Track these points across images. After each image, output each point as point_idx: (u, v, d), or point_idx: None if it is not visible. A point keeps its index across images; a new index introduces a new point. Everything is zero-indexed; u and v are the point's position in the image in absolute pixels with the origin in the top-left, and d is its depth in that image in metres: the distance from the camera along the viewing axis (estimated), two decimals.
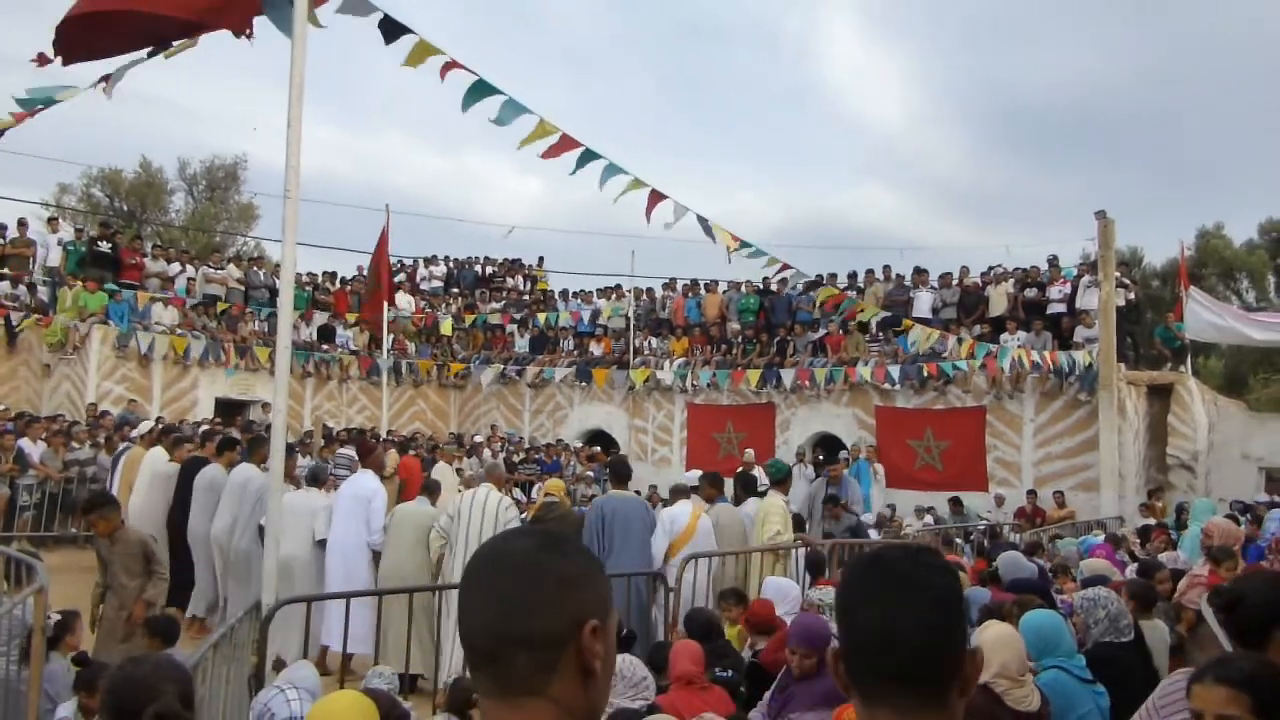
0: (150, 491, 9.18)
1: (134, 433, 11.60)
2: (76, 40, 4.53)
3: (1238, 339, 16.43)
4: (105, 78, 5.64)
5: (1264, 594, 2.76)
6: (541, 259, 25.35)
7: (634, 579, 6.82)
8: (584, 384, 19.73)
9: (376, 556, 7.47)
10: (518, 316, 21.98)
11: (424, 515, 7.29)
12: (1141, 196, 56.08)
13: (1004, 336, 15.28)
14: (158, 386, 16.44)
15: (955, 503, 14.43)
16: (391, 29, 5.30)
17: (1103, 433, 14.06)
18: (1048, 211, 63.97)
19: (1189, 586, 5.64)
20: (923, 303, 16.90)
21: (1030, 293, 16.29)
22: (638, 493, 15.40)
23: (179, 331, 16.75)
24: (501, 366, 20.57)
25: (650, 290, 21.34)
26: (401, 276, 22.80)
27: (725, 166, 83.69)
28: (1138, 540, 9.65)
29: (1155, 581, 5.74)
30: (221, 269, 18.71)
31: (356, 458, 8.88)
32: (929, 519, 14.01)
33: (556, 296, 23.11)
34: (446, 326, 21.54)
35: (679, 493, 8.00)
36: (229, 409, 17.10)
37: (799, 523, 8.65)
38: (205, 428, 12.78)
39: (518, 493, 15.82)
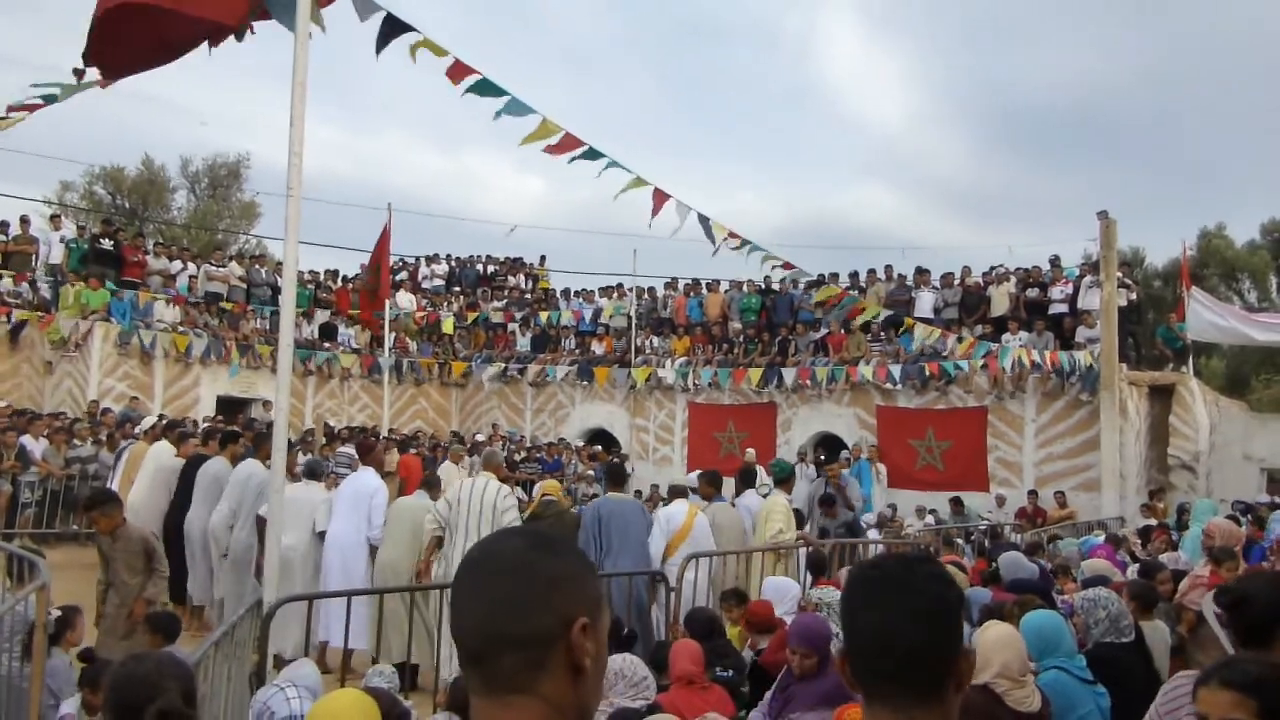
0: (152, 485, 9.19)
1: (138, 429, 11.62)
2: (110, 55, 4.56)
3: (1239, 339, 16.43)
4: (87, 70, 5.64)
5: (1270, 594, 2.75)
6: (543, 258, 25.37)
7: (635, 579, 6.83)
8: (585, 383, 19.74)
9: (374, 552, 7.49)
10: (519, 315, 21.99)
11: (421, 509, 7.30)
12: (1143, 197, 56.13)
13: (1005, 336, 15.28)
14: (159, 384, 16.46)
15: (956, 503, 14.43)
16: (395, 28, 5.30)
17: (1104, 433, 14.06)
18: (1050, 212, 63.99)
19: (1190, 587, 5.64)
20: (924, 302, 16.90)
21: (1032, 293, 16.29)
22: (639, 493, 15.53)
23: (181, 329, 16.78)
24: (503, 365, 20.58)
25: (652, 289, 21.34)
26: (403, 275, 22.82)
27: (725, 166, 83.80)
28: (1139, 541, 9.65)
29: (1156, 582, 5.73)
30: (223, 267, 18.73)
31: (356, 456, 8.90)
32: (930, 519, 14.01)
33: (558, 295, 23.12)
34: (448, 325, 21.55)
35: (677, 492, 8.09)
36: (230, 407, 17.11)
37: (800, 521, 8.68)
38: (206, 425, 12.79)
39: (519, 491, 15.84)
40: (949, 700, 1.32)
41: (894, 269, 18.35)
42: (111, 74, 4.75)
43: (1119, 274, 14.73)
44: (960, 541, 12.47)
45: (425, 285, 23.26)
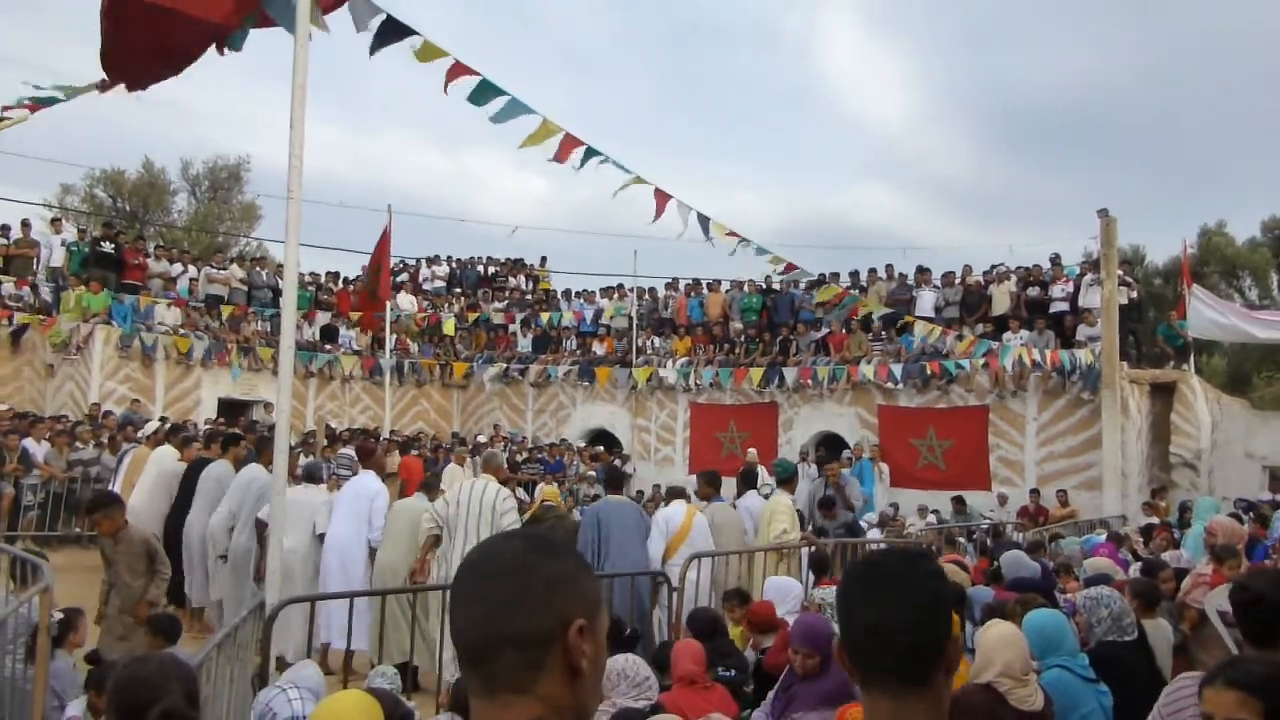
0: (154, 490, 9.20)
1: (140, 433, 11.63)
2: (127, 63, 4.57)
3: (1241, 337, 16.42)
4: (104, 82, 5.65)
5: (1277, 594, 2.75)
6: (544, 259, 25.37)
7: (637, 579, 6.84)
8: (587, 383, 19.75)
9: (374, 554, 7.50)
10: (520, 316, 22.00)
11: (419, 510, 7.31)
12: (1143, 195, 56.11)
13: (1006, 335, 15.28)
14: (160, 386, 16.48)
15: (959, 502, 14.43)
16: (395, 30, 5.30)
17: (1105, 431, 14.05)
18: (1050, 211, 63.97)
19: (1193, 585, 5.64)
20: (925, 302, 16.90)
21: (1033, 291, 16.29)
22: (640, 493, 15.54)
23: (182, 331, 16.79)
24: (504, 366, 20.60)
25: (653, 290, 21.35)
26: (404, 276, 22.84)
27: (726, 167, 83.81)
28: (1141, 539, 9.64)
29: (1159, 581, 5.73)
30: (224, 269, 18.74)
31: (356, 458, 8.91)
32: (932, 518, 14.01)
33: (559, 296, 23.13)
34: (449, 326, 21.56)
35: (674, 493, 8.15)
36: (232, 409, 17.12)
37: (801, 522, 8.69)
38: (208, 428, 12.81)
39: (520, 492, 15.84)
40: (940, 685, 1.41)
41: (895, 268, 18.37)
42: (135, 83, 4.76)
43: (1120, 272, 14.72)
44: (962, 540, 12.47)
45: (426, 286, 23.27)
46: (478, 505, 6.78)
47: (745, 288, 19.56)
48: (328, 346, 19.17)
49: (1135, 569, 6.88)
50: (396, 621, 6.71)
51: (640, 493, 15.76)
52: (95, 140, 44.67)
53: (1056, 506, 14.12)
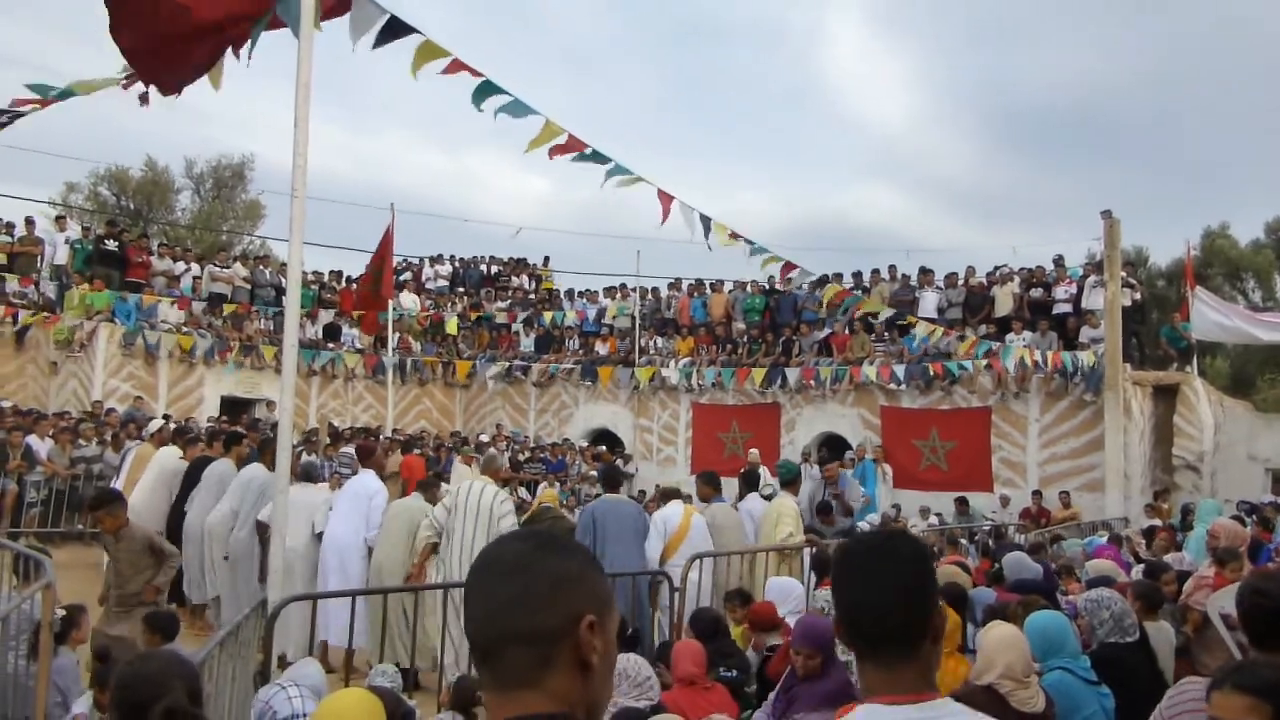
0: (155, 488, 9.22)
1: (145, 431, 11.65)
2: (155, 66, 4.59)
3: (1244, 339, 16.39)
4: (130, 77, 5.68)
5: None
6: (547, 258, 25.37)
7: (637, 579, 6.85)
8: (589, 383, 19.75)
9: (371, 553, 7.51)
10: (523, 315, 22.02)
11: (417, 510, 7.34)
12: (1146, 197, 56.05)
13: (1009, 336, 15.27)
14: (164, 384, 16.51)
15: (962, 503, 14.42)
16: (398, 30, 5.31)
17: (1108, 433, 14.04)
18: (1053, 212, 63.88)
19: (1195, 588, 5.63)
20: (928, 303, 16.89)
21: (1036, 293, 16.28)
22: (642, 493, 15.53)
23: (185, 330, 16.82)
24: (507, 365, 20.62)
25: (656, 290, 21.36)
26: (407, 275, 22.85)
27: (728, 167, 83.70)
28: (1142, 540, 9.63)
29: (1161, 583, 5.72)
30: (227, 268, 18.77)
31: (357, 458, 8.93)
32: (934, 519, 14.00)
33: (562, 296, 23.14)
34: (452, 325, 21.58)
35: (668, 494, 8.21)
36: (234, 407, 17.15)
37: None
38: (210, 426, 12.83)
39: (523, 492, 15.85)
40: (927, 652, 1.53)
41: (898, 269, 18.36)
42: (169, 87, 4.78)
43: (1123, 274, 14.70)
44: (964, 542, 12.44)
45: (429, 285, 23.29)
46: (475, 507, 6.81)
47: (748, 288, 19.56)
48: (330, 345, 19.19)
49: (1137, 571, 6.88)
50: (397, 621, 6.72)
51: (642, 492, 15.76)
52: (99, 138, 44.74)
53: (1059, 508, 14.11)
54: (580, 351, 20.71)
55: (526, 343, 21.47)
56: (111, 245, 17.11)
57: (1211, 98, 60.40)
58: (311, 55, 4.73)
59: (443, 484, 8.30)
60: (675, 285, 21.11)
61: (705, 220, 7.98)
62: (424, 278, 23.48)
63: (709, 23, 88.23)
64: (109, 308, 16.00)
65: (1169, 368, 15.92)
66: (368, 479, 7.79)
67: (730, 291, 19.86)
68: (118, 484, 10.00)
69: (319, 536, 7.59)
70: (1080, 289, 15.74)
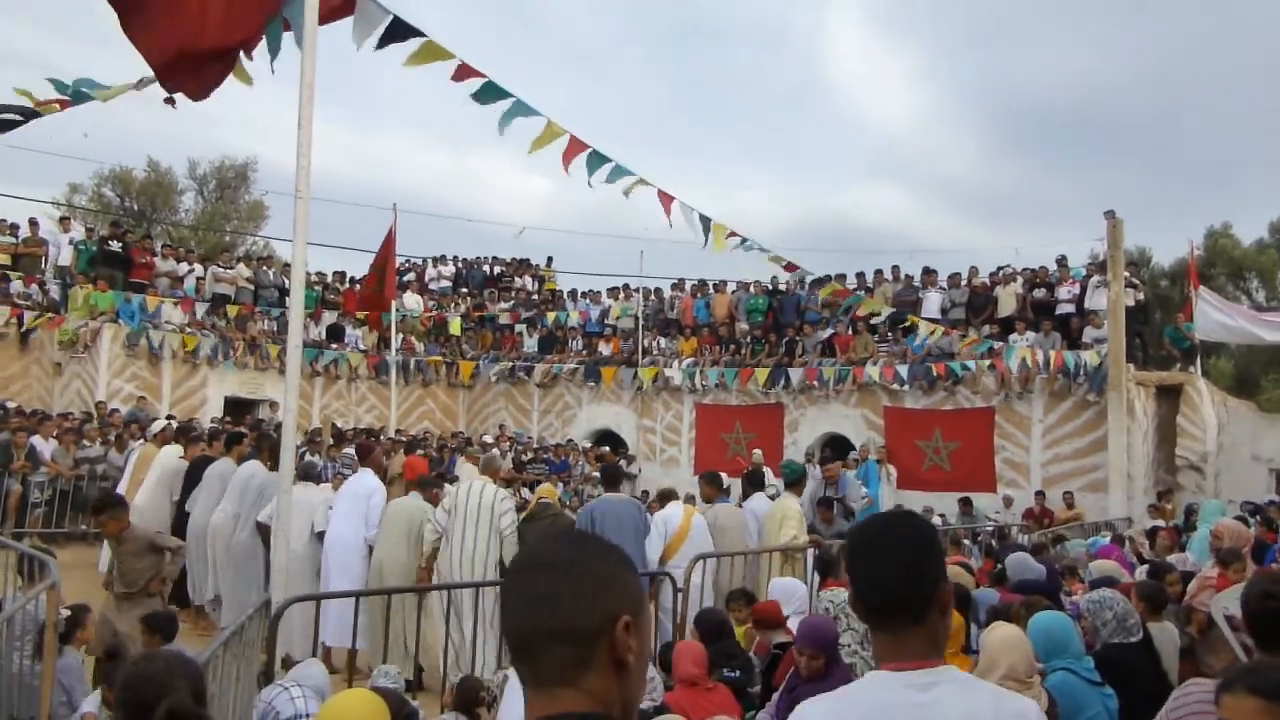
0: (157, 487, 9.24)
1: (148, 431, 11.68)
2: (182, 76, 4.61)
3: (1248, 339, 16.35)
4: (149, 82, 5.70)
5: None
6: (550, 259, 25.39)
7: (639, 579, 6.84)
8: (592, 384, 19.76)
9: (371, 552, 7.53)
10: (526, 316, 22.03)
11: (415, 509, 7.35)
12: (1149, 197, 55.85)
13: (1012, 337, 15.26)
14: (167, 385, 16.54)
15: (965, 503, 14.41)
16: (401, 31, 5.32)
17: (1111, 434, 14.02)
18: (1056, 211, 63.79)
19: (1199, 589, 5.62)
20: (931, 303, 16.88)
21: (1039, 293, 16.26)
22: (645, 493, 15.53)
23: (189, 330, 16.86)
24: (510, 365, 20.63)
25: (659, 290, 21.36)
26: (411, 276, 22.88)
27: (729, 167, 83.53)
28: (1146, 541, 9.62)
29: (1165, 583, 5.71)
30: (231, 269, 18.80)
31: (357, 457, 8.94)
32: (937, 520, 13.98)
33: (565, 296, 23.15)
34: (455, 326, 21.60)
35: (666, 496, 8.23)
36: (238, 407, 17.19)
37: None
38: (213, 426, 12.85)
39: (526, 492, 15.85)
40: (934, 623, 1.66)
41: (901, 269, 18.34)
42: (199, 92, 4.80)
43: (1126, 274, 14.69)
44: (967, 542, 12.44)
45: (432, 286, 23.31)
46: (476, 508, 6.84)
47: (751, 289, 19.55)
48: (334, 345, 19.22)
49: (1141, 572, 6.86)
50: (400, 621, 6.73)
51: (645, 492, 15.76)
52: (103, 139, 44.82)
53: (1062, 508, 14.10)
54: (583, 352, 20.71)
55: (530, 343, 21.49)
56: (115, 246, 17.15)
57: (1213, 97, 60.38)
58: (315, 56, 4.74)
59: (446, 485, 8.31)
60: (679, 286, 21.11)
61: (705, 220, 7.98)
62: (427, 278, 23.51)
63: (709, 23, 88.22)
64: (113, 308, 16.03)
65: (1172, 368, 15.90)
66: (365, 478, 7.80)
67: (733, 292, 19.86)
68: (122, 484, 10.04)
69: (319, 536, 7.60)
70: (1083, 289, 15.73)
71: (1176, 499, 13.89)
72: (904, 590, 1.65)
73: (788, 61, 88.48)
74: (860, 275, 18.76)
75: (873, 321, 17.20)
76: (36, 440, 12.04)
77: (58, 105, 6.10)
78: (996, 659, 3.44)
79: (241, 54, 4.88)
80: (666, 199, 7.42)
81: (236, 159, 36.33)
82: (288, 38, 5.02)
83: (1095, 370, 14.34)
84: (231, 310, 17.89)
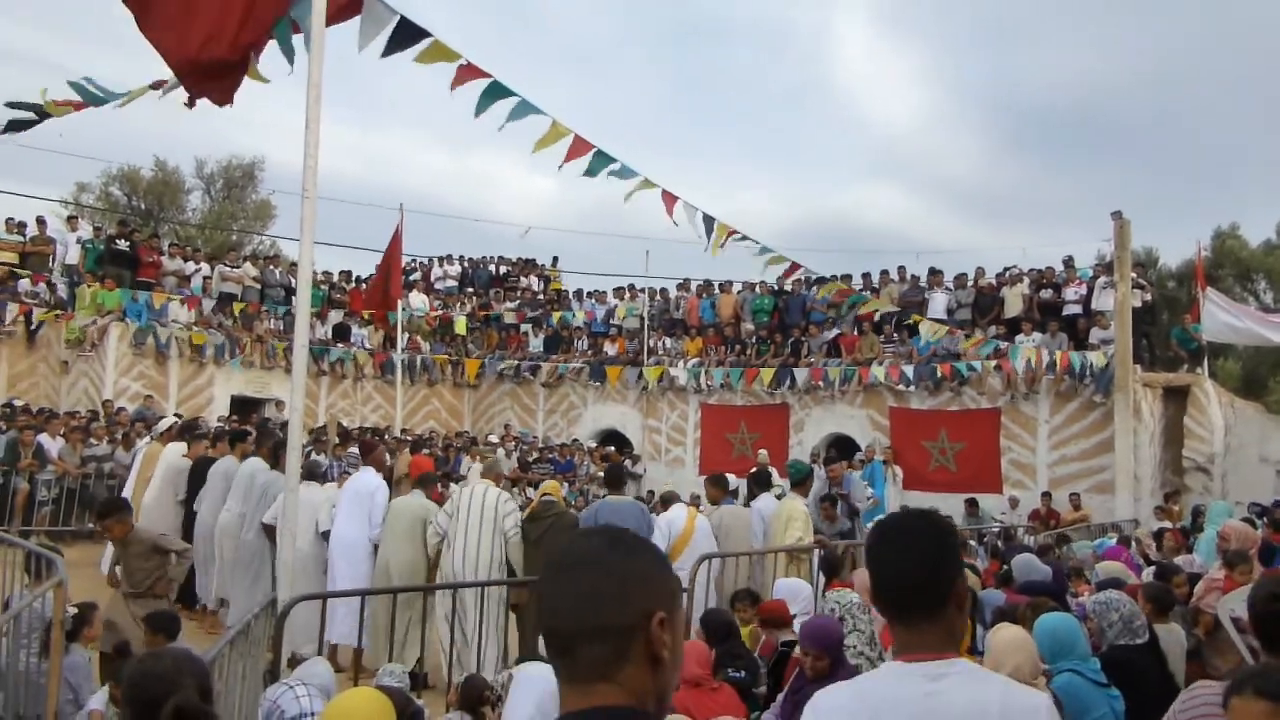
0: (162, 486, 9.27)
1: (154, 430, 11.70)
2: (204, 81, 4.64)
3: (1255, 340, 16.30)
4: (160, 83, 5.72)
5: None
6: (556, 259, 25.41)
7: None
8: (598, 383, 19.76)
9: (375, 550, 7.55)
10: (532, 316, 22.05)
11: (419, 508, 7.37)
12: (1156, 197, 55.70)
13: (1019, 337, 15.23)
14: (174, 383, 16.58)
15: (971, 504, 14.39)
16: (408, 33, 5.32)
17: (1118, 435, 13.98)
18: (1062, 212, 63.63)
19: (1206, 590, 5.61)
20: (938, 304, 16.85)
21: (1045, 294, 16.22)
22: (650, 493, 15.53)
23: (195, 329, 16.90)
24: (516, 365, 20.65)
25: (664, 290, 21.38)
26: (416, 275, 22.91)
27: (730, 167, 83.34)
28: (1152, 542, 9.59)
29: (1172, 585, 5.70)
30: (237, 268, 18.85)
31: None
32: None
33: (570, 296, 23.16)
34: (461, 325, 21.63)
35: (670, 499, 8.23)
36: (244, 406, 17.22)
37: None
38: (218, 425, 12.88)
39: (531, 492, 15.86)
40: (951, 617, 1.71)
41: (907, 270, 18.31)
42: (223, 96, 4.82)
43: (1133, 275, 14.64)
44: (973, 543, 12.42)
45: (438, 286, 23.35)
46: (479, 510, 6.86)
47: (757, 289, 19.54)
48: (340, 345, 19.25)
49: (1148, 573, 6.85)
50: (405, 620, 6.74)
51: (651, 492, 15.76)
52: (110, 138, 44.95)
53: (1068, 510, 14.07)
54: (589, 352, 20.72)
55: (535, 343, 21.50)
56: (123, 245, 17.21)
57: (1214, 97, 60.13)
58: (323, 56, 4.75)
59: (452, 484, 8.32)
60: (684, 286, 21.11)
61: (708, 220, 7.98)
62: (433, 278, 23.54)
63: (709, 23, 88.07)
64: (120, 307, 16.08)
65: (1179, 369, 15.84)
66: (367, 476, 7.80)
67: (739, 292, 19.84)
68: (129, 483, 10.07)
69: (324, 535, 7.61)
70: (1090, 290, 15.68)
71: (1183, 500, 13.84)
72: (921, 584, 1.69)
73: (788, 61, 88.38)
74: (866, 276, 18.75)
75: (876, 319, 17.18)
76: (44, 438, 12.09)
77: (73, 108, 6.12)
78: (1002, 660, 3.43)
79: (252, 54, 4.90)
80: (670, 199, 7.41)
81: (244, 158, 36.51)
82: (297, 40, 5.03)
83: (1102, 371, 14.30)
84: (238, 309, 17.93)
